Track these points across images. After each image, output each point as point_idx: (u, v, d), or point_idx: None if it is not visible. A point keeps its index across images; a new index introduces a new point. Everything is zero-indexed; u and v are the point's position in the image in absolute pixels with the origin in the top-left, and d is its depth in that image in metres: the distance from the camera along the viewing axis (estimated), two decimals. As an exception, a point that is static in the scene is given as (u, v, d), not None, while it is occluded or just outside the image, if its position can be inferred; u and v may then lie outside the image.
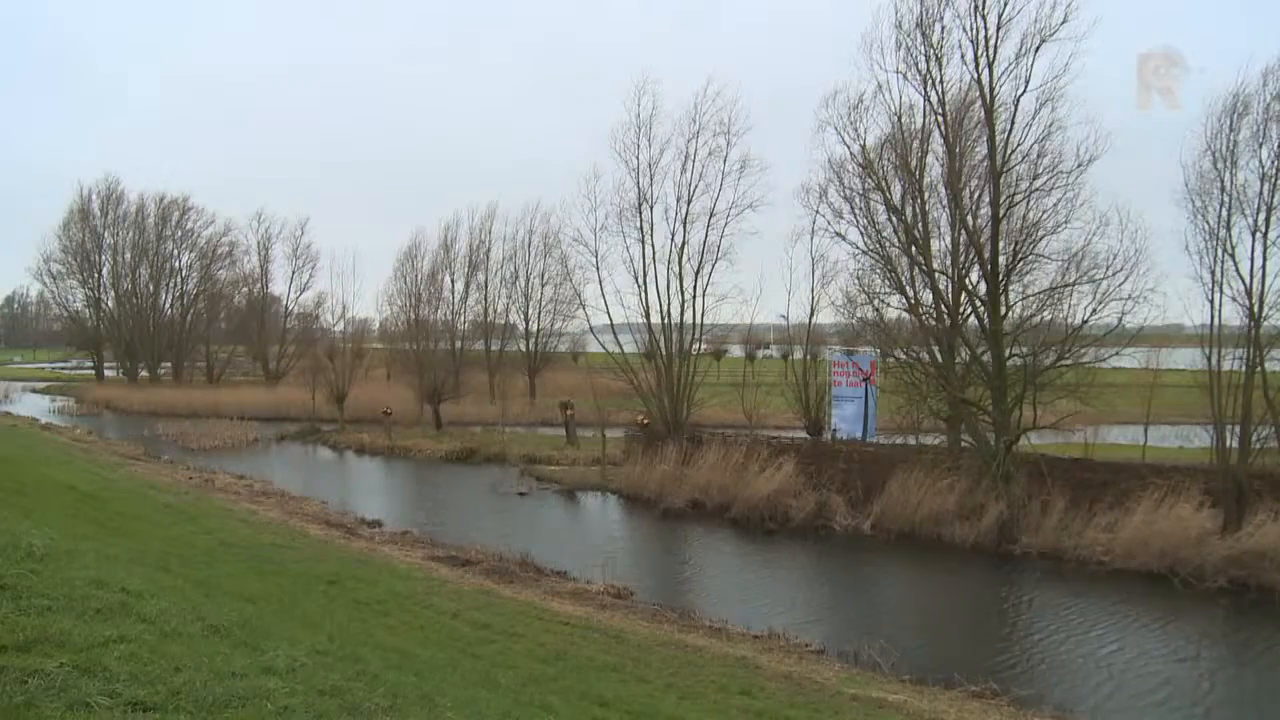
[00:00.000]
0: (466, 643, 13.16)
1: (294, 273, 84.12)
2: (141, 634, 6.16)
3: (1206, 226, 26.37)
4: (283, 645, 7.31)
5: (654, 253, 40.18)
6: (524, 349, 68.71)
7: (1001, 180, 28.95)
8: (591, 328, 48.32)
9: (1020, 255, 29.21)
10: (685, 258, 39.44)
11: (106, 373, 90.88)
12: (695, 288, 39.47)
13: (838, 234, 33.96)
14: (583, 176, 46.51)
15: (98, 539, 12.18)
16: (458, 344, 63.98)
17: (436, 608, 15.83)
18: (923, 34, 29.63)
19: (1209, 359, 26.57)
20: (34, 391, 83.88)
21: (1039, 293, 29.55)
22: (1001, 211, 29.07)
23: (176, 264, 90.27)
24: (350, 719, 5.64)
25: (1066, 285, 28.85)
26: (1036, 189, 28.78)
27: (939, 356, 31.18)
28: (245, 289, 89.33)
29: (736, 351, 77.04)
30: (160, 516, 20.74)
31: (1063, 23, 27.23)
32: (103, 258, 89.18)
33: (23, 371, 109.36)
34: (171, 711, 4.74)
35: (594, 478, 37.34)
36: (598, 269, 42.56)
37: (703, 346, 43.29)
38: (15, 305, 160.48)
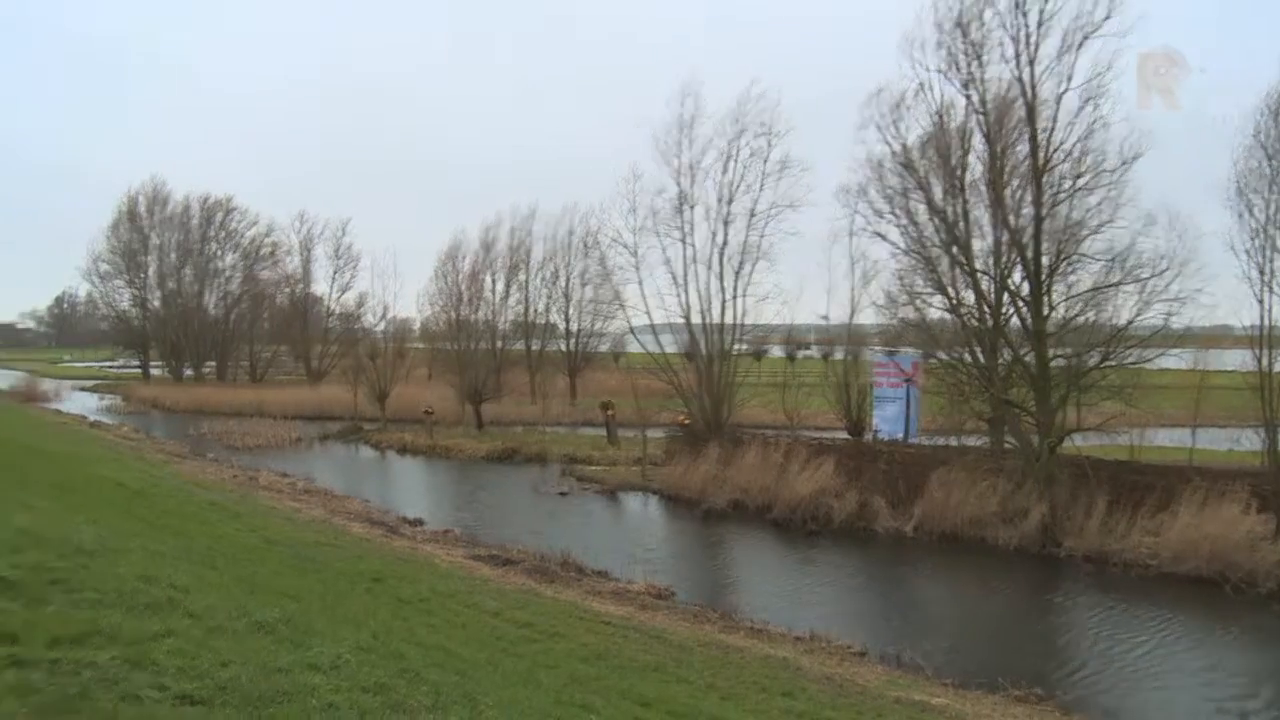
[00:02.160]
0: (508, 642, 13.19)
1: (335, 273, 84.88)
2: (189, 629, 6.23)
3: (1254, 224, 26.03)
4: (327, 642, 7.36)
5: (694, 253, 40.20)
6: (564, 349, 68.81)
7: (1044, 179, 28.67)
8: (632, 328, 48.29)
9: (1063, 255, 28.89)
10: (725, 258, 39.45)
11: (152, 371, 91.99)
12: (735, 288, 39.48)
13: (878, 233, 33.80)
14: (622, 177, 46.55)
15: (145, 535, 12.30)
16: (498, 344, 64.12)
17: (478, 606, 15.86)
18: (963, 32, 29.42)
19: (1259, 360, 26.19)
20: (82, 390, 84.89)
21: (1083, 293, 29.20)
22: (1044, 211, 28.79)
23: (220, 264, 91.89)
24: (394, 716, 5.68)
25: (1111, 285, 28.54)
26: (1080, 188, 28.46)
27: (981, 357, 30.96)
28: (288, 289, 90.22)
29: (777, 352, 76.74)
30: (206, 514, 20.91)
31: (1106, 18, 26.97)
32: (149, 258, 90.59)
33: (72, 370, 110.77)
34: (219, 706, 4.80)
35: (635, 478, 37.34)
36: (637, 269, 42.63)
37: (743, 347, 43.17)
38: (65, 305, 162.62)
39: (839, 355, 41.58)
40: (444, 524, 29.04)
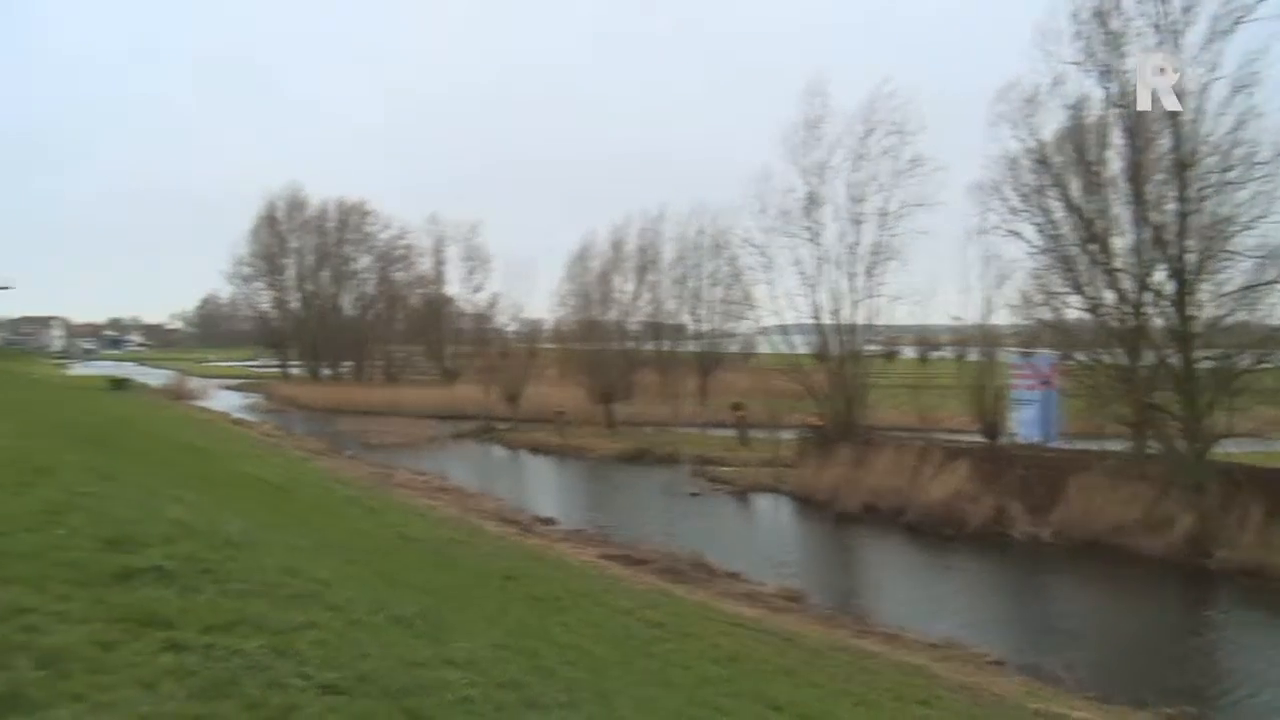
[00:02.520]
0: (640, 641, 13.20)
1: (468, 274, 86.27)
2: (330, 621, 6.38)
3: None
4: (462, 637, 7.47)
5: (824, 253, 39.86)
6: (694, 349, 68.78)
7: (1189, 173, 27.56)
8: (762, 328, 48.10)
9: (1210, 253, 27.73)
10: (856, 257, 39.02)
11: (292, 370, 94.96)
12: (866, 288, 39.03)
13: (1012, 231, 32.96)
14: (752, 177, 46.41)
15: (287, 529, 12.64)
16: (629, 344, 64.45)
17: (610, 605, 15.92)
18: (1101, 23, 28.48)
19: None
20: (226, 388, 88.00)
21: (1233, 291, 27.92)
22: (1189, 207, 27.65)
23: (356, 266, 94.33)
24: (529, 712, 5.73)
25: (1265, 284, 27.29)
26: (1229, 182, 27.25)
27: (1122, 359, 29.98)
28: (421, 290, 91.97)
29: (909, 353, 75.74)
30: (344, 509, 21.43)
31: (1260, 1, 25.80)
32: (288, 261, 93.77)
33: (216, 369, 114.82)
34: (360, 696, 4.90)
35: (766, 479, 37.10)
36: (767, 269, 42.48)
37: (874, 347, 42.67)
38: (210, 306, 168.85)
39: (973, 356, 40.74)
40: (576, 523, 29.28)
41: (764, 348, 58.95)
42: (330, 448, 44.43)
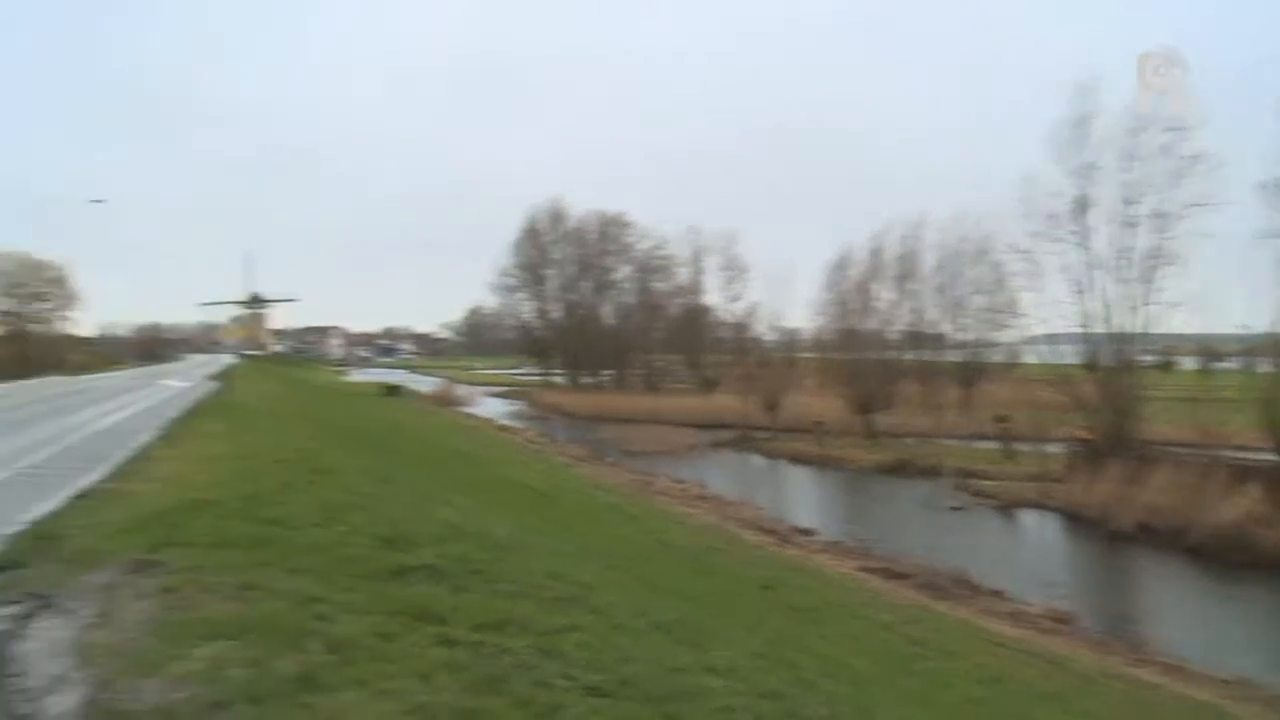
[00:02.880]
0: (900, 658, 12.94)
1: (726, 283, 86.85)
2: (593, 624, 6.55)
3: None
4: (722, 645, 7.53)
5: (1094, 258, 38.05)
6: (956, 359, 66.92)
7: None
8: (1028, 337, 46.35)
9: None
10: (1129, 263, 37.04)
11: (554, 378, 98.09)
12: (1141, 295, 36.97)
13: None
14: (1017, 180, 44.75)
15: (551, 534, 13.04)
16: (888, 354, 63.30)
17: (869, 619, 15.68)
18: None
19: None
20: (491, 395, 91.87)
21: None
22: None
23: (616, 276, 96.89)
24: (790, 723, 5.73)
25: None
26: None
27: None
28: (680, 300, 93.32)
29: (1188, 363, 71.23)
30: (604, 515, 21.95)
31: None
32: (550, 271, 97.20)
33: (482, 376, 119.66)
34: (623, 699, 5.00)
35: (1031, 494, 35.69)
36: (1033, 276, 40.99)
37: (1149, 357, 40.44)
38: (476, 316, 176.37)
39: (1264, 367, 37.90)
40: (834, 534, 28.95)
41: (1029, 357, 56.68)
42: (591, 454, 45.49)
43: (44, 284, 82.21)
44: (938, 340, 67.97)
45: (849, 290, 64.21)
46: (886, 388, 56.73)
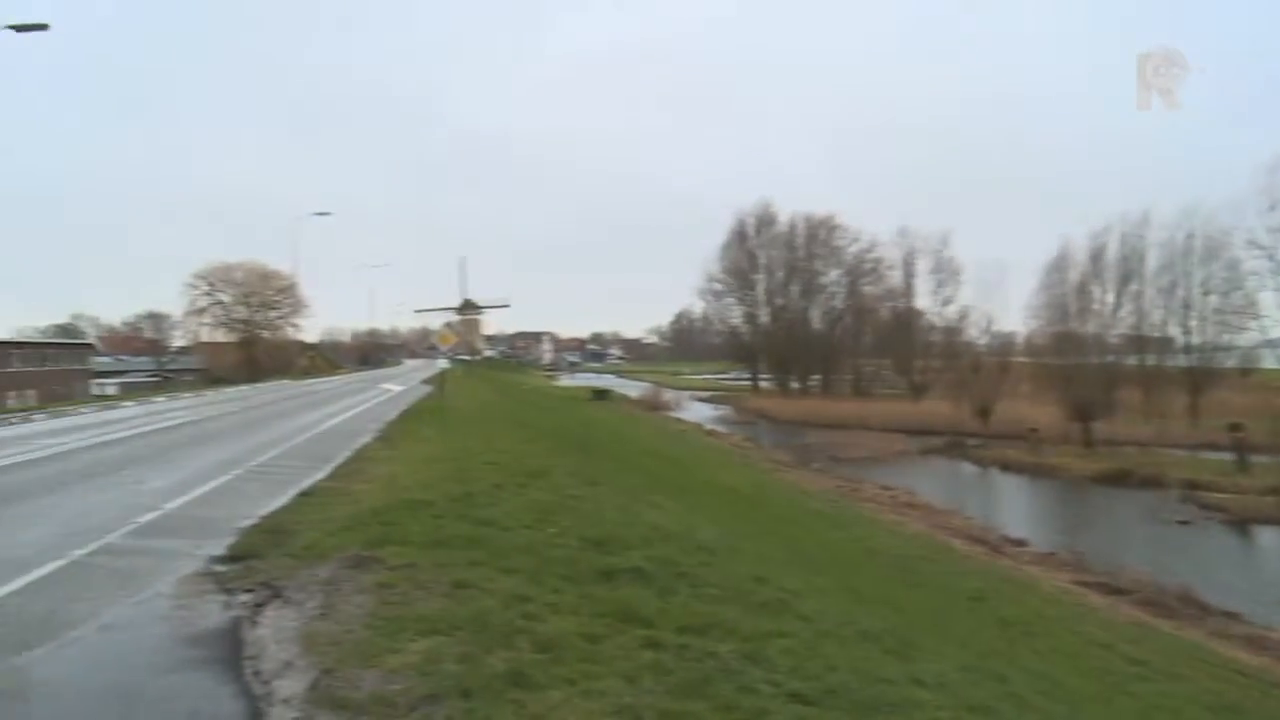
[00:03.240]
0: (1119, 678, 12.37)
1: (937, 286, 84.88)
2: (799, 631, 6.52)
3: None
4: (930, 657, 7.38)
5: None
6: (1184, 364, 63.51)
7: None
8: (1268, 340, 43.68)
9: None
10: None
11: (761, 383, 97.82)
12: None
13: None
14: (1255, 170, 42.28)
15: (757, 538, 13.03)
16: (1108, 358, 60.60)
17: (1085, 635, 15.04)
18: None
19: None
20: (698, 400, 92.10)
21: None
22: None
23: (824, 280, 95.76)
24: (1001, 741, 5.57)
25: None
26: None
27: None
28: (890, 304, 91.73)
29: None
30: (810, 521, 21.79)
31: None
32: (758, 276, 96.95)
33: (689, 381, 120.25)
34: (828, 708, 4.96)
35: (1269, 508, 33.52)
36: (1275, 274, 38.64)
37: None
38: (683, 321, 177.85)
39: None
40: (1048, 546, 27.88)
41: (1269, 362, 53.36)
42: (798, 460, 45.16)
43: (275, 293, 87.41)
44: (1163, 344, 64.61)
45: (1067, 292, 61.82)
46: (1106, 394, 54.31)
